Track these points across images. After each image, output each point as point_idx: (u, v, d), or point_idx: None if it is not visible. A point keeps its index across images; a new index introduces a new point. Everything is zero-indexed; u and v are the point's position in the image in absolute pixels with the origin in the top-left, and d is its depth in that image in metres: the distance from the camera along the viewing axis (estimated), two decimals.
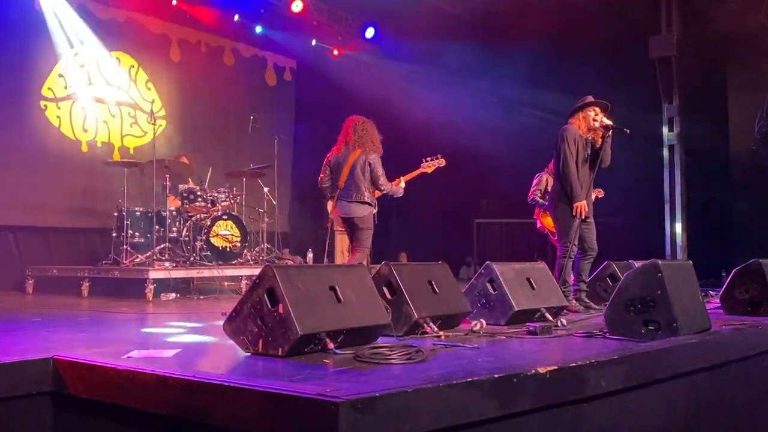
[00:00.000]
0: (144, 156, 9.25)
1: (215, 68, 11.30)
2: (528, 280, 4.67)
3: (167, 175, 8.01)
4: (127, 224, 7.64)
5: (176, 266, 7.38)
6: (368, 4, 11.11)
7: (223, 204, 8.26)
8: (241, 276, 7.80)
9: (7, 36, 8.68)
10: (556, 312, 4.71)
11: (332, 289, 3.32)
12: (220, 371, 2.92)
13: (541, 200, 7.55)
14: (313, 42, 12.15)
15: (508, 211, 11.84)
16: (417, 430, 2.28)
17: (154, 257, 7.40)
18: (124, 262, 7.44)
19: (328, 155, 6.30)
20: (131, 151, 10.01)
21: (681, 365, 3.44)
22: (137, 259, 7.51)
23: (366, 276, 3.68)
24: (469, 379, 2.48)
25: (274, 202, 9.04)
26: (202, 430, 2.49)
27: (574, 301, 5.50)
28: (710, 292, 6.26)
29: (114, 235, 7.84)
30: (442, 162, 6.59)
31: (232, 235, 8.07)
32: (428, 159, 6.66)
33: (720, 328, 4.14)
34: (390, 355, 3.00)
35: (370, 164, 6.04)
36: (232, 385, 2.41)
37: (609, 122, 5.52)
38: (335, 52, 12.51)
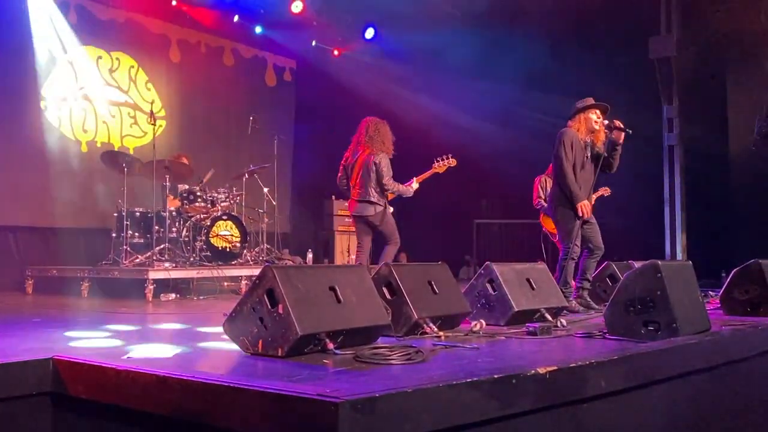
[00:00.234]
0: (144, 156, 9.25)
1: (215, 69, 11.31)
2: (528, 280, 4.68)
3: (167, 176, 8.01)
4: (126, 224, 7.64)
5: (176, 267, 7.38)
6: (368, 5, 11.11)
7: (222, 204, 8.26)
8: (241, 276, 7.81)
9: (7, 36, 8.68)
10: (556, 312, 4.71)
11: (332, 289, 3.32)
12: (220, 371, 2.92)
13: (545, 204, 7.58)
14: (313, 42, 12.15)
15: (508, 211, 11.85)
16: (417, 431, 2.28)
17: (154, 258, 7.39)
18: (124, 262, 7.43)
19: (344, 154, 6.51)
20: (131, 152, 10.00)
21: (681, 366, 3.44)
22: (137, 260, 7.51)
23: (366, 276, 3.68)
24: (469, 380, 2.48)
25: (274, 203, 9.05)
26: (201, 431, 2.49)
27: (574, 302, 5.51)
28: (710, 292, 6.26)
29: (114, 235, 7.84)
30: (453, 162, 6.64)
31: (232, 235, 8.07)
32: (439, 159, 6.70)
33: (720, 328, 4.14)
34: (390, 355, 3.00)
35: (376, 164, 6.22)
36: (231, 385, 2.41)
37: (619, 125, 5.52)
38: (335, 53, 12.51)
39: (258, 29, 11.52)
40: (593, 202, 6.48)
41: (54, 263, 8.17)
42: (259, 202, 8.94)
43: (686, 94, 10.71)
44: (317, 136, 12.58)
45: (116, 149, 9.86)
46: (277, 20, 11.40)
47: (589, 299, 5.61)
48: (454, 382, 2.44)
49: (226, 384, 2.43)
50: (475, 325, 4.06)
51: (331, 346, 3.13)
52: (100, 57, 9.90)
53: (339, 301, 3.31)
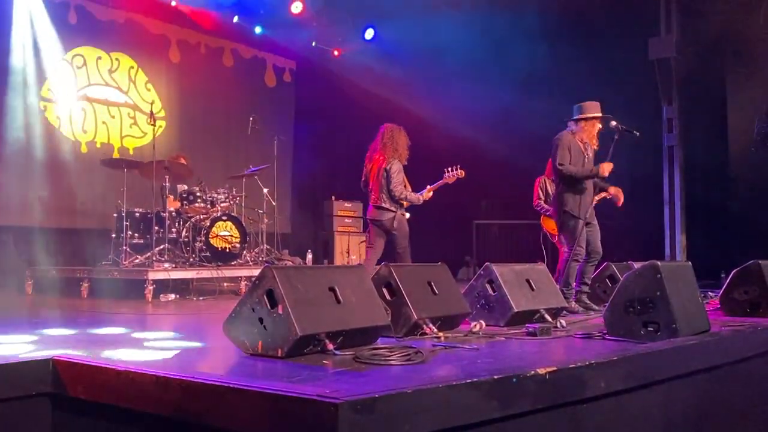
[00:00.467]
0: (144, 157, 9.25)
1: (215, 69, 11.31)
2: (527, 281, 4.68)
3: (167, 176, 8.01)
4: (126, 225, 7.64)
5: (175, 267, 7.38)
6: (368, 5, 11.12)
7: (222, 205, 8.25)
8: (241, 277, 7.80)
9: (6, 36, 8.69)
10: (556, 313, 4.71)
11: (332, 290, 3.33)
12: (220, 372, 2.92)
13: (545, 206, 7.58)
14: (313, 43, 12.16)
15: (507, 212, 11.84)
16: (416, 431, 2.28)
17: (154, 258, 7.39)
18: (124, 263, 7.43)
19: (365, 160, 6.71)
20: (131, 152, 10.01)
21: (680, 366, 3.44)
22: (137, 260, 7.50)
23: (365, 277, 3.68)
24: (468, 380, 2.48)
25: (274, 203, 9.04)
26: (201, 431, 2.49)
27: (574, 303, 5.51)
28: (709, 293, 6.26)
29: (113, 236, 7.83)
30: (461, 173, 6.70)
31: (232, 236, 8.07)
32: (449, 170, 6.73)
33: (719, 329, 4.14)
34: (389, 356, 3.00)
35: (386, 171, 6.39)
36: (231, 386, 2.41)
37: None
38: (335, 53, 12.51)
39: (258, 30, 11.52)
40: (596, 202, 6.49)
41: (54, 264, 8.17)
42: (259, 203, 8.94)
43: (686, 95, 10.71)
44: (317, 136, 12.58)
45: (116, 150, 9.87)
46: (276, 21, 11.40)
47: (588, 302, 5.62)
48: (454, 383, 2.44)
49: (225, 385, 2.43)
50: (475, 325, 4.07)
51: (330, 346, 3.14)
52: (99, 57, 9.90)
53: (339, 301, 3.31)
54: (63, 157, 9.25)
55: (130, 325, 4.71)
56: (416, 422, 2.28)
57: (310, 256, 9.78)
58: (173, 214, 7.97)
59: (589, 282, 5.76)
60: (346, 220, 11.23)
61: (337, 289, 3.33)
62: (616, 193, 6.78)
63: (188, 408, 2.52)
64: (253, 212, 8.98)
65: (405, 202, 6.49)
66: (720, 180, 11.14)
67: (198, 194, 8.09)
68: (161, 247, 7.60)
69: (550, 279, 5.02)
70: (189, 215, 8.01)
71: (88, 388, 2.85)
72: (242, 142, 10.77)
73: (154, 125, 7.91)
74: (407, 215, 6.61)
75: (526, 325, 4.13)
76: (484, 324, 4.16)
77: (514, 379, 2.61)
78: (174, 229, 7.92)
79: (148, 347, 3.55)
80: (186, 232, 7.86)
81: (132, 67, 10.31)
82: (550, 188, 7.18)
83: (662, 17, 10.60)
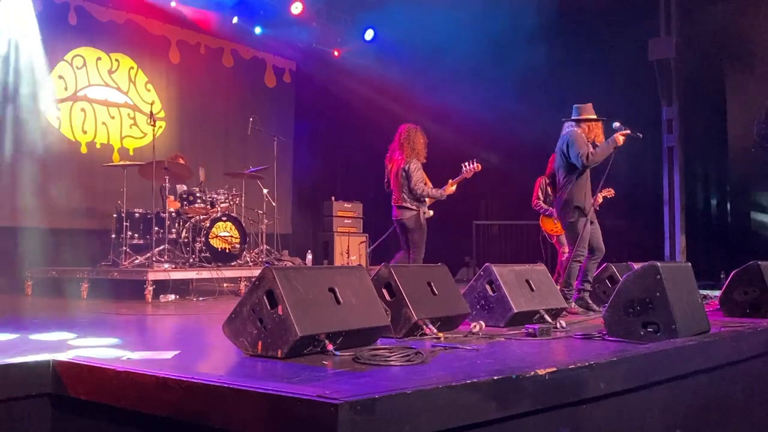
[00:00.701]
0: (143, 157, 9.25)
1: (215, 70, 11.31)
2: (527, 281, 4.68)
3: (166, 177, 8.01)
4: (126, 226, 7.64)
5: (175, 268, 7.38)
6: (368, 6, 11.12)
7: (222, 205, 8.25)
8: (240, 278, 7.80)
9: (5, 36, 8.69)
10: (555, 314, 4.71)
11: (331, 290, 3.33)
12: (219, 373, 2.92)
13: (544, 205, 7.58)
14: (313, 44, 12.16)
15: (507, 212, 11.85)
16: None
17: (154, 259, 7.39)
18: (124, 263, 7.43)
19: (385, 162, 6.85)
20: (131, 153, 10.01)
21: (680, 367, 3.44)
22: (136, 261, 7.51)
23: (365, 278, 3.68)
24: (468, 381, 2.48)
25: (274, 204, 9.04)
26: None
27: (574, 303, 5.52)
28: (709, 294, 6.27)
29: (113, 236, 7.83)
30: (478, 167, 6.73)
31: (232, 236, 8.07)
32: (467, 164, 6.74)
33: (719, 330, 4.14)
34: (389, 356, 3.00)
35: (405, 170, 6.53)
36: (231, 386, 2.41)
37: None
38: (335, 54, 12.51)
39: (258, 30, 11.52)
40: (599, 201, 6.49)
41: (53, 264, 8.16)
42: (259, 203, 8.94)
43: (685, 96, 10.72)
44: (317, 136, 12.59)
45: (116, 150, 9.87)
46: (276, 21, 11.40)
47: (589, 301, 5.62)
48: (454, 384, 2.44)
49: (225, 385, 2.43)
50: (475, 326, 4.07)
51: (330, 347, 3.14)
52: (99, 58, 9.90)
53: (338, 302, 3.31)
54: (63, 157, 9.25)
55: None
56: (416, 423, 2.28)
57: (309, 256, 9.78)
58: (173, 214, 7.97)
59: (591, 280, 5.76)
60: (346, 221, 11.22)
61: (336, 289, 3.33)
62: (607, 192, 6.97)
63: (188, 408, 2.52)
64: (253, 213, 8.98)
65: (428, 200, 6.61)
66: (719, 181, 11.16)
67: (198, 195, 8.09)
68: (161, 247, 7.60)
69: (550, 279, 5.02)
70: (189, 216, 8.01)
71: (88, 389, 2.85)
72: (242, 143, 10.77)
73: (154, 126, 7.90)
74: (431, 213, 6.75)
75: (526, 325, 4.13)
76: (483, 325, 4.16)
77: (514, 380, 2.61)
78: (174, 230, 7.92)
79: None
80: (186, 233, 7.86)
81: (132, 68, 10.31)
82: (550, 189, 7.18)
83: (662, 18, 10.62)
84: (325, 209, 11.28)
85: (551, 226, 7.70)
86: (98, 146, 9.72)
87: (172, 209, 8.00)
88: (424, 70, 11.52)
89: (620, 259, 6.68)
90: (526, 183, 8.09)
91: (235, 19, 11.07)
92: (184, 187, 8.34)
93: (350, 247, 10.90)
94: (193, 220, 7.95)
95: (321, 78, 12.33)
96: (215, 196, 8.23)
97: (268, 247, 8.85)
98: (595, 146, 5.63)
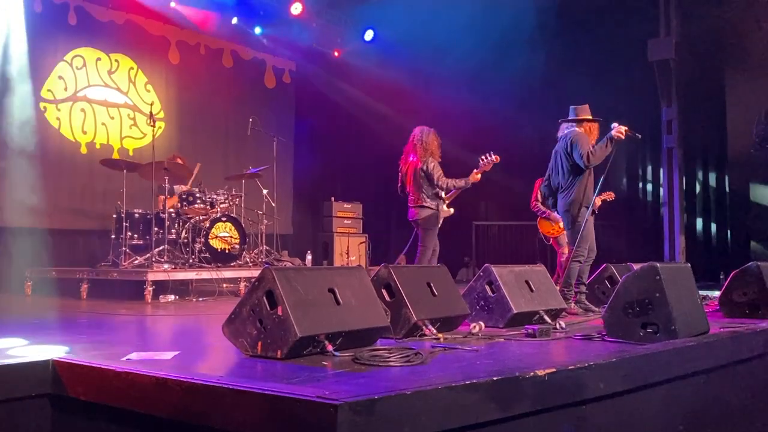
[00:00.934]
0: (143, 158, 9.25)
1: (214, 70, 11.31)
2: (527, 282, 4.68)
3: (166, 177, 8.01)
4: (126, 226, 7.64)
5: (175, 268, 7.38)
6: (368, 6, 11.12)
7: (222, 206, 8.25)
8: (240, 278, 7.80)
9: (5, 37, 8.69)
10: (555, 314, 4.71)
11: (331, 291, 3.33)
12: (219, 373, 2.92)
13: (542, 207, 7.58)
14: (313, 44, 12.16)
15: (506, 213, 11.86)
16: None
17: (153, 259, 7.39)
18: (123, 264, 7.43)
19: (399, 164, 6.96)
20: (130, 153, 10.01)
21: (679, 368, 3.44)
22: (136, 261, 7.51)
23: (365, 278, 3.69)
24: (467, 382, 2.49)
25: (273, 204, 9.04)
26: None
27: (573, 304, 5.51)
28: (709, 294, 6.27)
29: (113, 236, 7.83)
30: (497, 158, 6.70)
31: (231, 237, 8.07)
32: (485, 157, 6.71)
33: (718, 330, 4.14)
34: (389, 357, 3.00)
35: (423, 170, 6.66)
36: (230, 387, 2.41)
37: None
38: (335, 54, 12.52)
39: (257, 31, 11.53)
40: (598, 204, 6.49)
41: (53, 265, 8.17)
42: (259, 204, 8.94)
43: (685, 97, 10.73)
44: (317, 137, 12.59)
45: (116, 150, 9.87)
46: (276, 22, 11.40)
47: (587, 302, 5.61)
48: (453, 384, 2.44)
49: (225, 386, 2.43)
50: (474, 327, 4.07)
51: (330, 347, 3.14)
52: (99, 58, 9.90)
53: (338, 302, 3.32)
54: (63, 157, 9.26)
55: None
56: (416, 423, 2.29)
57: (309, 257, 9.78)
58: (173, 215, 7.97)
59: (586, 282, 5.75)
60: (346, 222, 11.23)
61: (336, 290, 3.34)
62: (607, 195, 7.00)
63: (188, 409, 2.52)
64: (253, 213, 8.98)
65: (446, 197, 6.71)
66: (719, 181, 11.16)
67: (197, 195, 8.10)
68: (161, 248, 7.60)
69: (550, 280, 5.03)
70: (188, 216, 8.01)
71: (88, 389, 2.85)
72: (242, 143, 10.77)
73: (153, 126, 7.91)
74: (451, 210, 6.86)
75: (526, 326, 4.13)
76: (483, 325, 4.16)
77: (514, 381, 2.61)
78: (173, 230, 7.92)
79: None
80: (185, 233, 7.86)
81: (131, 68, 10.31)
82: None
83: (662, 19, 10.62)
84: (325, 210, 11.29)
85: (548, 228, 7.71)
86: (98, 147, 9.72)
87: (171, 209, 8.00)
88: (424, 70, 11.53)
89: (619, 259, 6.68)
90: (526, 184, 8.10)
91: (234, 20, 11.08)
92: (184, 188, 8.34)
93: (350, 248, 10.91)
94: (192, 220, 7.96)
95: (321, 78, 12.33)
96: (215, 196, 8.23)
97: (267, 248, 8.85)
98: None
